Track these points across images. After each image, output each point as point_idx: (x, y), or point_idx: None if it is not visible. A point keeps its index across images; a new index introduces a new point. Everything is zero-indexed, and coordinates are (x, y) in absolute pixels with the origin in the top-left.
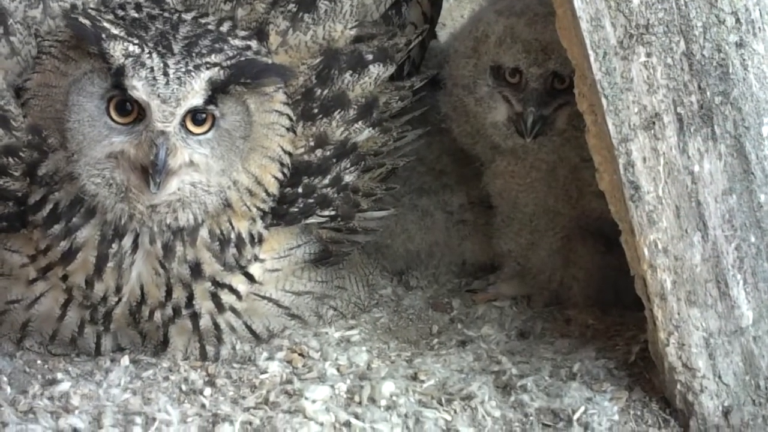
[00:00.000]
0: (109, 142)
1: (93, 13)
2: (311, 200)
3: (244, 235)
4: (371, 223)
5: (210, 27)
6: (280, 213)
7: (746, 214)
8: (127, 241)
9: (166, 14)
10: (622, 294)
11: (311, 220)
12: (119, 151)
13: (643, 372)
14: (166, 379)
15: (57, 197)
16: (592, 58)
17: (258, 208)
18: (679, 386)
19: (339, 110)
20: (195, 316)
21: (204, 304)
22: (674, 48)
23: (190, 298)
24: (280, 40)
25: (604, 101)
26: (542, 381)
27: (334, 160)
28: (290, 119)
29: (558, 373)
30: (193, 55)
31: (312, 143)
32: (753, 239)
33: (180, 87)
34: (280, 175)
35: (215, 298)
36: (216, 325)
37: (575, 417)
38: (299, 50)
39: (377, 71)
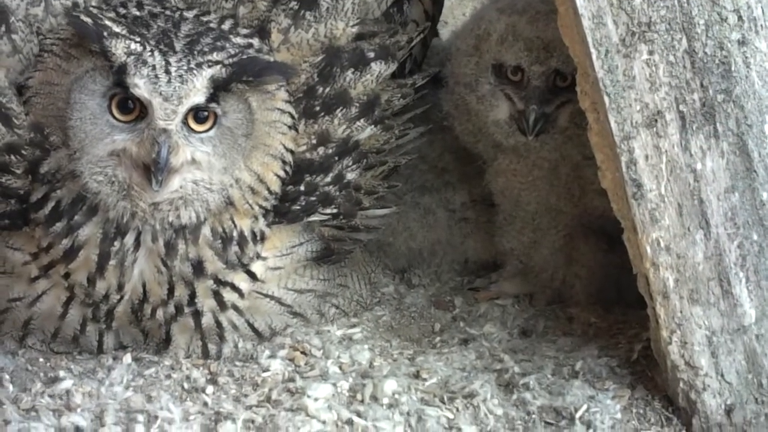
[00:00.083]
0: (111, 140)
1: (95, 11)
2: (313, 198)
3: (247, 233)
4: (373, 221)
5: (212, 25)
6: (282, 211)
7: (748, 212)
8: (129, 239)
9: (167, 12)
10: (624, 292)
11: (313, 218)
12: (121, 149)
13: (646, 370)
14: (169, 377)
15: (59, 195)
16: (594, 56)
17: (260, 206)
18: (681, 384)
19: (341, 108)
20: (197, 314)
21: (206, 302)
22: (676, 46)
23: (193, 296)
24: (282, 37)
25: (606, 99)
26: (544, 379)
27: (336, 158)
28: (292, 117)
29: (560, 371)
30: (195, 53)
31: (314, 141)
32: (755, 237)
33: (182, 85)
34: (282, 173)
35: (217, 296)
36: (218, 323)
37: (578, 415)
38: (301, 48)
39: (379, 69)
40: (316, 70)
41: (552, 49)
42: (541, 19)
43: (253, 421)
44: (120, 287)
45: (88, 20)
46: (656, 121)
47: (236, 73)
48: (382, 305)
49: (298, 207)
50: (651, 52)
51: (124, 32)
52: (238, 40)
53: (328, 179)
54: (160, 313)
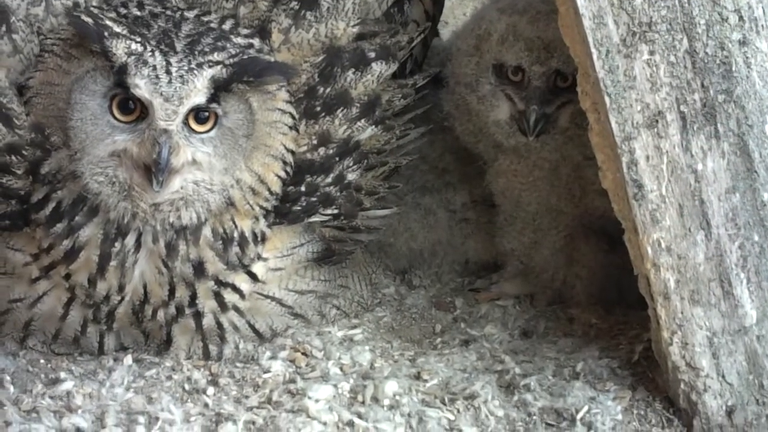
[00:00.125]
0: (111, 141)
1: (95, 11)
2: (314, 199)
3: (247, 233)
4: (374, 222)
5: (212, 25)
6: (283, 211)
7: (749, 213)
8: (130, 240)
9: (168, 12)
10: (625, 293)
11: (314, 218)
12: (122, 149)
13: (647, 371)
14: (169, 378)
15: (60, 196)
16: (594, 56)
17: (261, 207)
18: (682, 385)
19: (342, 108)
20: (198, 315)
21: (207, 303)
22: (677, 46)
23: (193, 297)
24: (283, 38)
25: (607, 99)
26: (545, 380)
27: (337, 159)
28: (293, 117)
29: (561, 372)
30: (196, 53)
31: (315, 141)
32: (756, 238)
33: (182, 85)
34: (282, 174)
35: (218, 297)
36: (219, 324)
37: (578, 416)
38: (302, 48)
39: (380, 69)
40: (316, 71)
41: (553, 49)
42: (542, 19)
43: (253, 423)
44: (121, 288)
45: (89, 20)
46: (657, 121)
47: (237, 74)
48: (383, 306)
49: (299, 208)
50: (652, 53)
51: (124, 32)
52: (239, 40)
53: (329, 180)
54: (161, 314)
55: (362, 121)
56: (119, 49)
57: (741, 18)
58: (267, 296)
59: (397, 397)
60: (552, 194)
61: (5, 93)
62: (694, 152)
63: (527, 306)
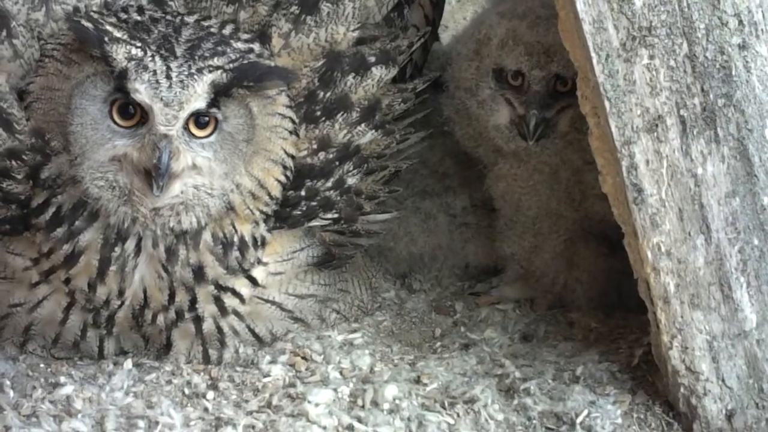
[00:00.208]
0: (112, 146)
1: (96, 16)
2: (314, 203)
3: (247, 238)
4: (374, 226)
5: (212, 30)
6: (283, 216)
7: (749, 217)
8: (130, 245)
9: (168, 17)
10: (625, 297)
11: (314, 222)
12: (122, 154)
13: (647, 375)
14: (169, 382)
15: (60, 200)
16: (594, 61)
17: (261, 211)
18: (682, 389)
19: (342, 113)
20: (198, 320)
21: (207, 308)
22: (677, 50)
23: (193, 301)
24: (283, 42)
25: (606, 104)
26: (545, 384)
27: (337, 163)
28: (293, 122)
29: (561, 376)
30: (196, 58)
31: (315, 146)
32: (756, 242)
33: (183, 90)
34: (282, 178)
35: (218, 301)
36: (219, 329)
37: (578, 420)
38: (302, 53)
39: (380, 73)
40: (316, 75)
41: (552, 53)
42: (542, 24)
43: (253, 427)
44: (121, 293)
45: (89, 25)
46: (657, 125)
47: (237, 78)
48: (382, 310)
49: (299, 212)
50: (652, 57)
51: (125, 37)
52: (239, 44)
53: (329, 184)
54: (160, 318)
55: (362, 125)
56: (119, 54)
57: (741, 22)
58: (267, 300)
59: (397, 401)
60: (552, 198)
61: (5, 98)
62: (694, 156)
63: (527, 310)
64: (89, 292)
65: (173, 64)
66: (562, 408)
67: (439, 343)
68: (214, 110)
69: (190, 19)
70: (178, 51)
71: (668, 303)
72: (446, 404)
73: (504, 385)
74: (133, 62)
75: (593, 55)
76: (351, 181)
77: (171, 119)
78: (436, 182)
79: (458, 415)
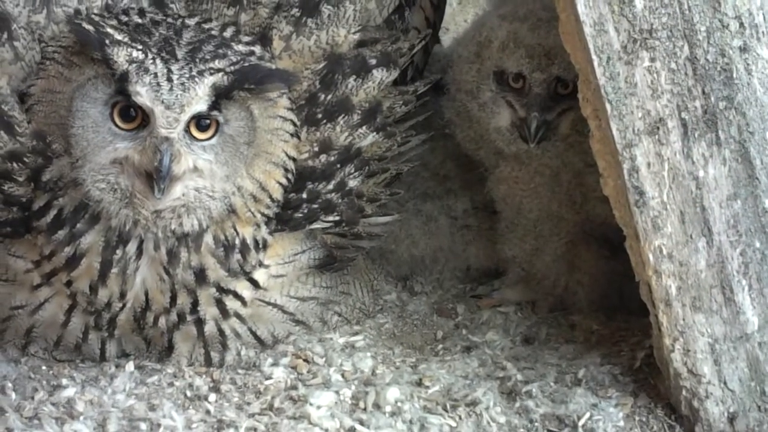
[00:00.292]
0: (113, 148)
1: (97, 18)
2: (315, 206)
3: (249, 240)
4: (376, 229)
5: (213, 32)
6: (284, 218)
7: (751, 220)
8: (132, 247)
9: (169, 20)
10: (626, 299)
11: (316, 225)
12: (123, 156)
13: (648, 378)
14: (171, 385)
15: (61, 203)
16: (595, 63)
17: (262, 214)
18: (684, 392)
19: (343, 115)
20: (200, 322)
21: (209, 310)
22: (678, 53)
23: (195, 304)
24: (284, 45)
25: (608, 106)
26: (547, 387)
27: (339, 166)
28: (294, 124)
29: (563, 378)
30: (197, 60)
31: (316, 148)
32: (758, 244)
33: (184, 93)
34: (284, 181)
35: (220, 304)
36: (221, 331)
37: (580, 423)
38: (303, 55)
39: (381, 76)
40: (317, 78)
41: (553, 56)
42: (543, 27)
43: (255, 429)
44: (122, 295)
45: (90, 28)
46: (658, 128)
47: (238, 81)
48: (384, 313)
49: (301, 214)
50: (653, 59)
51: (126, 40)
52: (240, 47)
53: (330, 187)
54: (162, 321)
55: (363, 128)
56: (120, 56)
57: (742, 25)
58: (269, 303)
59: (399, 404)
60: (553, 201)
61: (7, 100)
62: (696, 159)
63: (529, 312)
64: (91, 294)
65: (174, 67)
66: (564, 411)
67: (440, 346)
68: (215, 113)
69: (191, 22)
70: (179, 54)
71: (670, 306)
72: (448, 407)
73: (506, 388)
74: (134, 65)
75: (594, 57)
76: (352, 183)
77: (172, 122)
78: (437, 185)
79: (460, 418)
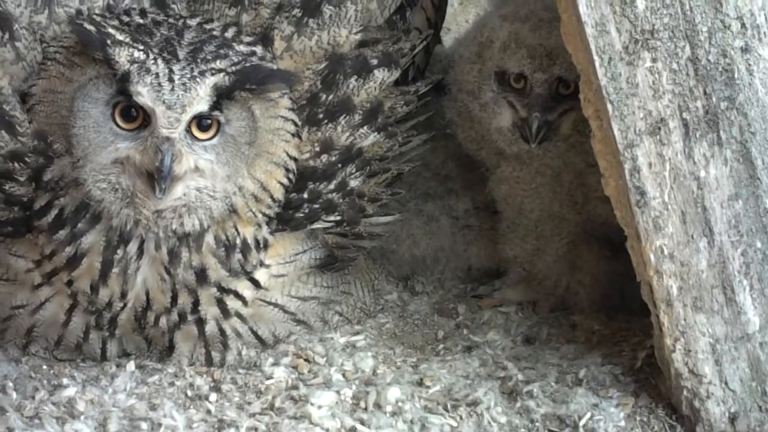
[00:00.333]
0: (114, 148)
1: (98, 18)
2: (317, 205)
3: (250, 240)
4: (377, 229)
5: (215, 33)
6: (285, 218)
7: (752, 220)
8: (133, 247)
9: (171, 20)
10: (628, 299)
11: (317, 225)
12: (125, 156)
13: (650, 378)
14: (172, 384)
15: (62, 203)
16: (597, 64)
17: (263, 214)
18: (685, 392)
19: (344, 115)
20: (200, 322)
21: (209, 310)
22: (680, 53)
23: (196, 303)
24: (285, 45)
25: (609, 106)
26: (548, 387)
27: (340, 166)
28: (295, 125)
29: (564, 378)
30: (198, 61)
31: (317, 148)
32: (759, 245)
33: (185, 93)
34: (285, 181)
35: (221, 303)
36: (221, 331)
37: (581, 423)
38: (304, 55)
39: (382, 76)
40: (319, 78)
41: (555, 56)
42: (544, 27)
43: (256, 429)
44: (123, 295)
45: (92, 28)
46: (659, 128)
47: (239, 81)
48: (385, 312)
49: (302, 214)
50: (654, 60)
51: (127, 40)
52: (242, 47)
53: (332, 186)
54: (163, 320)
55: (365, 128)
56: (122, 56)
57: (743, 25)
58: (269, 303)
59: (400, 404)
60: (554, 201)
61: (8, 100)
62: (697, 159)
63: (530, 313)
64: (92, 294)
65: (176, 67)
66: (565, 411)
67: (441, 346)
68: (216, 113)
69: (193, 22)
70: (181, 54)
71: (671, 306)
72: (449, 407)
73: (507, 388)
74: (135, 65)
75: (596, 58)
76: (353, 183)
77: (173, 122)
78: (438, 185)
79: (461, 418)
